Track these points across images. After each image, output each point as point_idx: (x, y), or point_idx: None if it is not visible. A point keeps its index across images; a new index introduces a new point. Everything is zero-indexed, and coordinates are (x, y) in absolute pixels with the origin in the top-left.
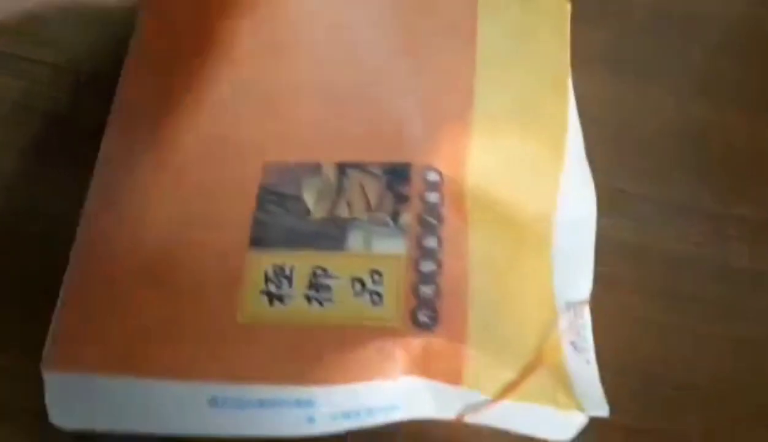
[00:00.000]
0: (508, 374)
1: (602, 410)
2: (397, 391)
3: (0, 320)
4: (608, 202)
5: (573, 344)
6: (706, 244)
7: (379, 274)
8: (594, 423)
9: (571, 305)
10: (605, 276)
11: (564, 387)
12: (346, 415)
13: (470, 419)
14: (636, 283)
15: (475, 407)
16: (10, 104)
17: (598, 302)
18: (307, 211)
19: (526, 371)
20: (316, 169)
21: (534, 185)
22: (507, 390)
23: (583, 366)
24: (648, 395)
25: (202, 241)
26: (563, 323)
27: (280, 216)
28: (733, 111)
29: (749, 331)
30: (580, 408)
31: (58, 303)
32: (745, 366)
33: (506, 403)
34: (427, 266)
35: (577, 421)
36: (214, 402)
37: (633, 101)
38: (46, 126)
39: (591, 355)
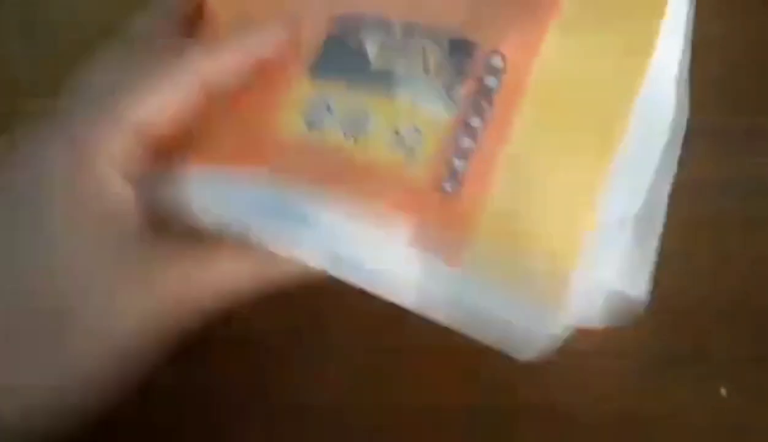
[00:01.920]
0: (509, 264)
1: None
2: (394, 254)
3: None
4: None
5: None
6: None
7: (419, 131)
8: None
9: (618, 220)
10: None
11: (556, 286)
12: (339, 257)
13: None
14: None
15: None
16: None
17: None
18: (367, 61)
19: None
20: (384, 23)
21: (611, 86)
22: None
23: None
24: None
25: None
26: (601, 236)
27: (340, 58)
28: None
29: None
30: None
31: None
32: None
33: (483, 282)
34: (466, 142)
35: (553, 330)
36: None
37: None
38: None
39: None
